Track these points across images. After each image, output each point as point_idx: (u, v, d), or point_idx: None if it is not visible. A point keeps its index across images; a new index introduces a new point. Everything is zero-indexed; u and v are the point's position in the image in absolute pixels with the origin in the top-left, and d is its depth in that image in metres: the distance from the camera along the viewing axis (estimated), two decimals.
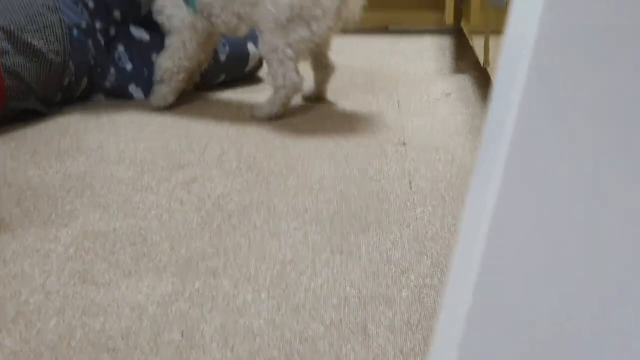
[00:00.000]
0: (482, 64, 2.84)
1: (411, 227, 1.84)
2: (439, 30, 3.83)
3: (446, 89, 2.91)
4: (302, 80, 2.59)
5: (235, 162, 2.25)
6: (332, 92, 2.87)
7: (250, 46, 2.96)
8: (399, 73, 3.14)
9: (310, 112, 2.67)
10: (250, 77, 3.05)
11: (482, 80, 2.94)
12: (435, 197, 2.00)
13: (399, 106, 2.73)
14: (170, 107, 2.74)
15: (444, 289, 1.43)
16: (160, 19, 2.68)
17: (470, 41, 3.23)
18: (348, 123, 2.55)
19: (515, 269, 0.62)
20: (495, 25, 2.63)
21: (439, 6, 3.74)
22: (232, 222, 1.88)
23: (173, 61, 2.68)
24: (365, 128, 2.51)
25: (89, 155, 2.31)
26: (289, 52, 2.53)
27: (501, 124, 0.63)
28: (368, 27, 3.92)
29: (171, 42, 2.67)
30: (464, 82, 2.98)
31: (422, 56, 3.39)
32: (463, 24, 3.53)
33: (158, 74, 2.70)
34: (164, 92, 2.71)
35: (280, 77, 2.55)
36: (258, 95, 2.87)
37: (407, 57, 3.37)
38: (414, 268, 1.66)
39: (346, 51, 3.47)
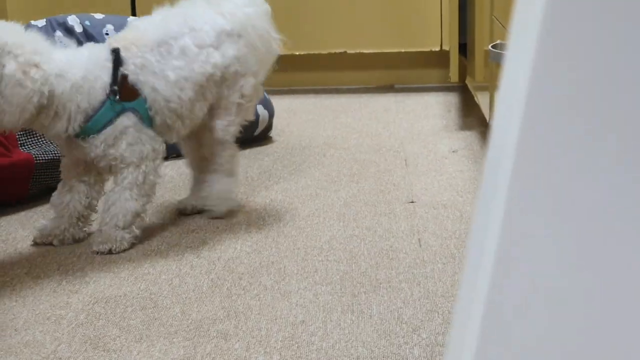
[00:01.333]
0: (488, 120, 2.85)
1: (421, 285, 1.84)
2: (445, 88, 3.85)
3: (453, 145, 2.92)
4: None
5: (244, 225, 2.25)
6: (339, 151, 2.88)
7: (260, 109, 2.97)
8: (405, 131, 3.15)
9: (317, 173, 2.68)
10: (259, 140, 3.06)
11: (489, 137, 2.95)
12: (445, 255, 2.00)
13: (406, 164, 2.74)
14: (178, 173, 2.76)
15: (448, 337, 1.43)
16: (113, 154, 2.09)
17: (475, 97, 3.25)
18: (356, 182, 2.56)
19: (519, 317, 0.62)
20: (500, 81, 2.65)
21: (444, 63, 3.76)
22: (242, 284, 1.88)
23: (137, 201, 2.14)
24: (373, 187, 2.51)
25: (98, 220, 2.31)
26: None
27: (498, 173, 0.64)
28: (374, 85, 3.95)
29: (132, 178, 2.12)
30: (471, 139, 3.00)
31: (428, 114, 3.41)
32: (468, 81, 3.55)
33: (123, 220, 2.11)
34: (121, 237, 2.11)
35: (236, 158, 2.37)
36: (265, 157, 2.88)
37: (414, 115, 3.39)
38: (426, 326, 1.65)
39: (352, 110, 3.49)
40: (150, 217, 2.33)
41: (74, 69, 2.05)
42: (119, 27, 2.78)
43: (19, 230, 2.26)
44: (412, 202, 2.39)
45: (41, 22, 2.84)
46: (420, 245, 2.06)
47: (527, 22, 0.63)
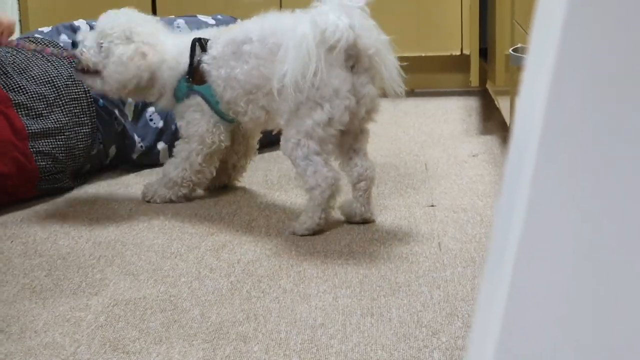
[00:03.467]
0: (508, 124, 2.84)
1: (441, 289, 1.83)
2: (465, 92, 3.84)
3: (473, 150, 2.91)
4: (339, 176, 2.23)
5: (264, 228, 2.25)
6: None
7: None
8: (425, 135, 3.14)
9: None
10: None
11: (509, 141, 2.94)
12: (465, 259, 1.99)
13: (426, 168, 2.73)
14: None
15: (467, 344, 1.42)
16: (179, 123, 2.48)
17: (496, 102, 3.23)
18: (376, 186, 2.54)
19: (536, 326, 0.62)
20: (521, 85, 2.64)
21: (464, 68, 3.75)
22: (262, 287, 1.88)
23: (178, 172, 2.46)
24: (393, 190, 2.51)
25: (119, 224, 2.32)
26: (312, 145, 2.17)
27: (518, 180, 0.63)
28: None
29: (181, 149, 2.47)
30: (491, 143, 2.99)
31: (448, 118, 3.40)
32: (488, 85, 3.54)
33: (164, 179, 2.49)
34: (161, 194, 2.49)
35: (310, 176, 2.18)
36: (286, 160, 2.87)
37: (434, 119, 3.38)
38: (445, 329, 1.65)
39: None
40: (169, 220, 2.33)
41: (172, 54, 2.44)
42: None
43: (39, 232, 2.27)
44: (432, 205, 2.38)
45: (47, 29, 2.87)
46: (440, 249, 2.06)
47: (548, 24, 0.62)
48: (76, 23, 2.87)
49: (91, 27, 2.85)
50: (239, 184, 2.62)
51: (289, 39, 2.12)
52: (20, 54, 2.63)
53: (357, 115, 2.20)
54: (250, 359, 1.57)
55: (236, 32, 2.36)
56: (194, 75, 2.41)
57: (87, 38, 2.46)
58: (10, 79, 2.54)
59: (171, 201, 2.47)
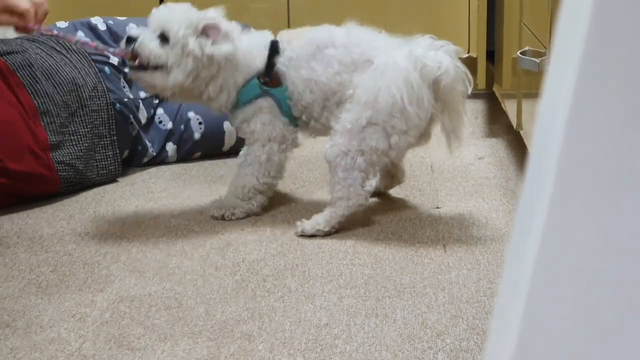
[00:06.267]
0: (515, 127, 2.84)
1: (446, 291, 1.84)
2: (471, 94, 3.83)
3: (479, 152, 2.91)
4: (368, 198, 2.25)
5: (269, 227, 2.26)
6: None
7: (226, 124, 2.91)
8: (431, 137, 3.14)
9: None
10: None
11: (516, 144, 2.94)
12: (470, 261, 2.00)
13: (432, 170, 2.73)
14: (204, 174, 2.76)
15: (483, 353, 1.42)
16: (245, 127, 2.32)
17: (502, 105, 3.23)
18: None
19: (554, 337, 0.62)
20: (528, 88, 2.64)
21: (471, 70, 3.74)
22: (266, 286, 1.88)
23: (259, 177, 2.32)
24: (398, 192, 2.51)
25: (125, 221, 2.32)
26: (360, 161, 2.15)
27: (539, 191, 0.63)
28: None
29: (258, 154, 2.32)
30: (497, 146, 2.99)
31: None
32: (495, 88, 3.54)
33: (240, 191, 2.33)
34: (241, 207, 2.33)
35: (345, 187, 2.16)
36: (291, 161, 2.87)
37: None
38: (450, 331, 1.65)
39: None
40: (175, 218, 2.34)
41: (245, 51, 2.28)
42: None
43: (46, 228, 2.27)
44: (438, 207, 2.38)
45: (63, 24, 2.87)
46: (445, 251, 2.06)
47: (573, 26, 0.62)
48: (93, 20, 2.87)
49: (107, 26, 2.86)
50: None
51: (383, 60, 2.11)
52: (50, 56, 2.62)
53: (412, 146, 2.28)
54: (255, 357, 1.57)
55: (315, 35, 2.26)
56: (271, 77, 2.28)
57: (144, 34, 2.21)
58: (39, 84, 2.53)
59: (252, 212, 2.34)
